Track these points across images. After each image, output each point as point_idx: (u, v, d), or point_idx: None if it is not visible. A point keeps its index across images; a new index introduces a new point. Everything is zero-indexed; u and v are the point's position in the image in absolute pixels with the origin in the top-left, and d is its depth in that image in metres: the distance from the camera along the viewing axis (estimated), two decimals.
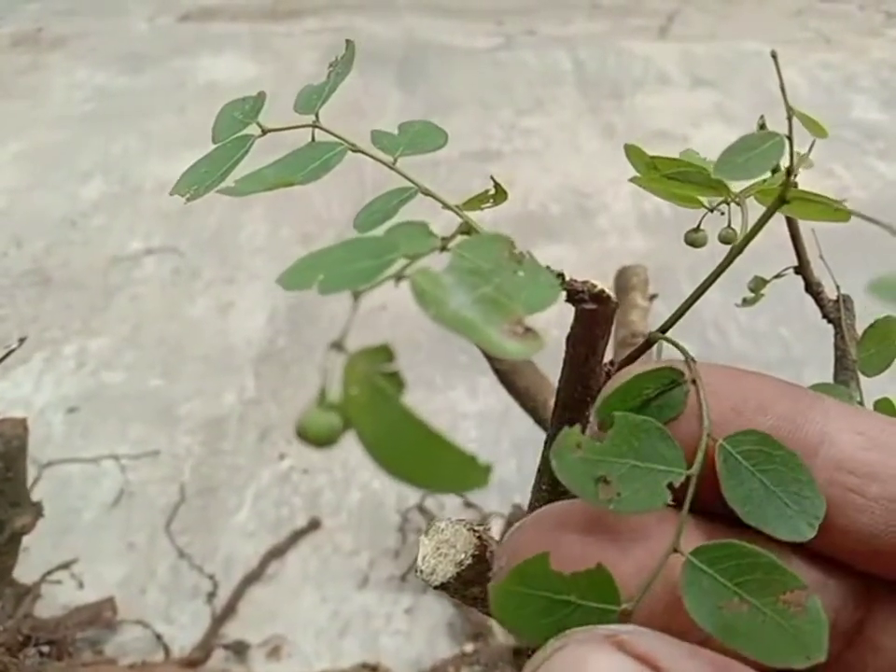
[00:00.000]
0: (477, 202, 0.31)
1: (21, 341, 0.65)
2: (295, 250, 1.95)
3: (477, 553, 0.26)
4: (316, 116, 0.32)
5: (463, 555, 0.26)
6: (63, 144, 2.62)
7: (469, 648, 0.99)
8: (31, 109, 2.89)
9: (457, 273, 0.20)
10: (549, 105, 2.83)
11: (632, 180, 0.37)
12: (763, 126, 0.39)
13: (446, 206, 0.30)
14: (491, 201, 0.31)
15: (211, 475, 1.36)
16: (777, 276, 0.45)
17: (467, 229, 0.26)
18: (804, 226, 0.45)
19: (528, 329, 0.18)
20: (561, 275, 0.26)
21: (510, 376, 0.68)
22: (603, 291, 0.28)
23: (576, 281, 0.28)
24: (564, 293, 0.25)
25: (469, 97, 2.84)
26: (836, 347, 0.44)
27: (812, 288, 0.45)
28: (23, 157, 2.54)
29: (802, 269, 0.44)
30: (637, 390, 0.26)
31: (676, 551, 0.21)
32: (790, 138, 0.26)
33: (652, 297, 0.74)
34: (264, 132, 0.32)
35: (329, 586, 1.17)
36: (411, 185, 0.30)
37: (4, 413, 0.90)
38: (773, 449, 0.23)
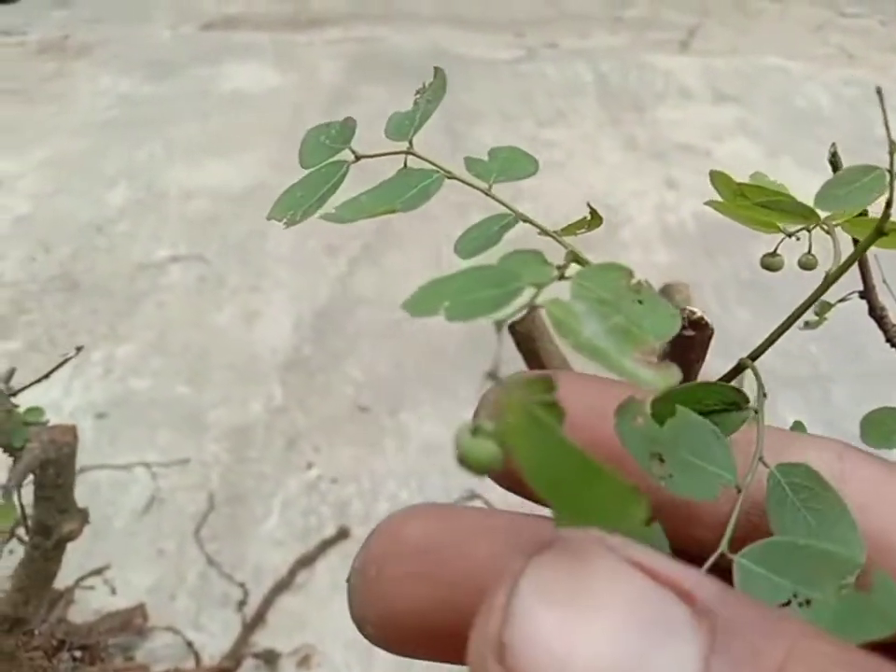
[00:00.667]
0: (573, 228, 0.32)
1: (79, 349, 0.66)
2: (320, 260, 1.96)
3: None
4: (410, 143, 0.32)
5: None
6: (88, 150, 2.64)
7: None
8: (56, 115, 2.92)
9: (587, 303, 0.20)
10: (570, 116, 2.84)
11: (708, 203, 0.37)
12: (835, 154, 0.40)
13: (544, 232, 0.30)
14: (586, 227, 0.31)
15: (239, 483, 1.37)
16: (842, 300, 0.45)
17: (574, 257, 0.26)
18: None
19: (661, 359, 0.19)
20: None
21: None
22: (701, 318, 0.28)
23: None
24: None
25: (491, 108, 2.86)
26: None
27: (876, 312, 0.45)
28: (49, 163, 2.56)
29: (867, 293, 0.45)
30: (697, 399, 0.26)
31: (723, 555, 0.20)
32: (891, 172, 0.27)
33: None
34: (357, 158, 0.33)
35: None
36: (508, 212, 0.30)
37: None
38: (821, 489, 0.23)
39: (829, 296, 0.51)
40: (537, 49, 3.49)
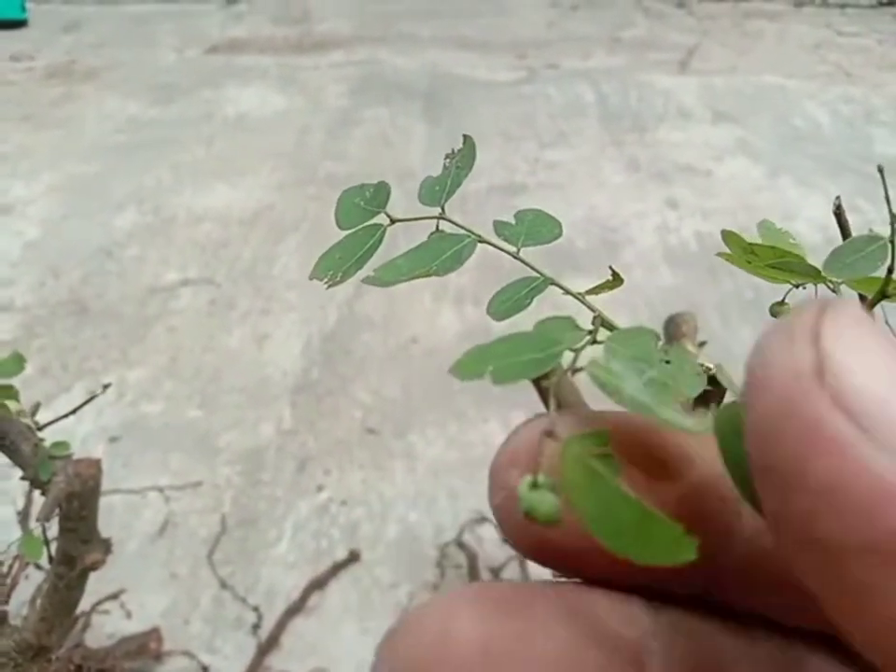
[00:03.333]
0: (597, 290, 0.34)
1: (106, 387, 0.67)
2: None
3: None
4: (442, 208, 0.35)
5: None
6: (96, 175, 2.68)
7: None
8: (64, 140, 2.95)
9: (623, 361, 0.22)
10: (572, 137, 2.87)
11: (720, 255, 0.40)
12: (839, 206, 0.42)
13: (568, 293, 0.32)
14: (608, 288, 0.34)
15: (251, 506, 1.38)
16: None
17: (602, 321, 0.28)
18: None
19: (696, 409, 0.21)
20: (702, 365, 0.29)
21: None
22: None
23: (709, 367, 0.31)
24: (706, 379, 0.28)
25: (493, 129, 2.89)
26: None
27: None
28: (58, 188, 2.59)
29: None
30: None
31: None
32: (892, 242, 0.29)
33: (702, 344, 0.76)
34: (393, 221, 0.35)
35: (370, 619, 1.19)
36: (537, 275, 0.32)
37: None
38: None
39: None
40: (538, 69, 3.53)
